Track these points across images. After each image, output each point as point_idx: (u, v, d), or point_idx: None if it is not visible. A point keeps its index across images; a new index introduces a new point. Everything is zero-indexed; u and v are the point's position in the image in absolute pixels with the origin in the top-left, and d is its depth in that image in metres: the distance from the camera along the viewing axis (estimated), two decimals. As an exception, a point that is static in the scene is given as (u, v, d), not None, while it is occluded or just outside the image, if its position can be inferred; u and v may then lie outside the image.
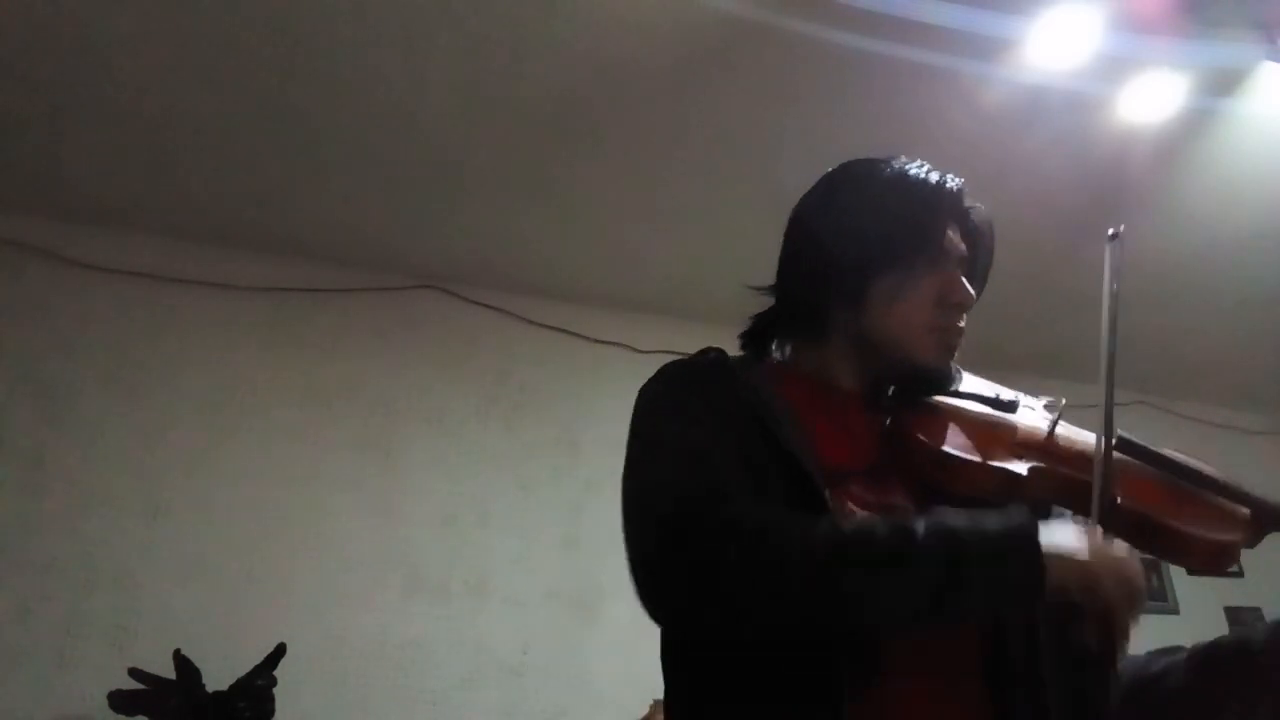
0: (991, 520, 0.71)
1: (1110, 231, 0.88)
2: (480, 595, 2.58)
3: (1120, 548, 0.75)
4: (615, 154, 2.40)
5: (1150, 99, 2.21)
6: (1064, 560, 0.70)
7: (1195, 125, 2.32)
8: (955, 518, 0.71)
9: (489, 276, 2.94)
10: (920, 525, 0.70)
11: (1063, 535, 0.72)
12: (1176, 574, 3.48)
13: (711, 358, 0.91)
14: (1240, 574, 3.45)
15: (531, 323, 3.01)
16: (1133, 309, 3.64)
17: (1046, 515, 0.87)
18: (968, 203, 0.95)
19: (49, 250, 2.52)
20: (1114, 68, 2.12)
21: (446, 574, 2.59)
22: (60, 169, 2.37)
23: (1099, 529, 0.75)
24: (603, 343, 3.03)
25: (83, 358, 2.47)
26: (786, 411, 0.84)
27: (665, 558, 0.72)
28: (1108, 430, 0.82)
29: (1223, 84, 2.20)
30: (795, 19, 1.96)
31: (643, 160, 2.42)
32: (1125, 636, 0.71)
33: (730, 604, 0.71)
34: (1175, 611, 3.39)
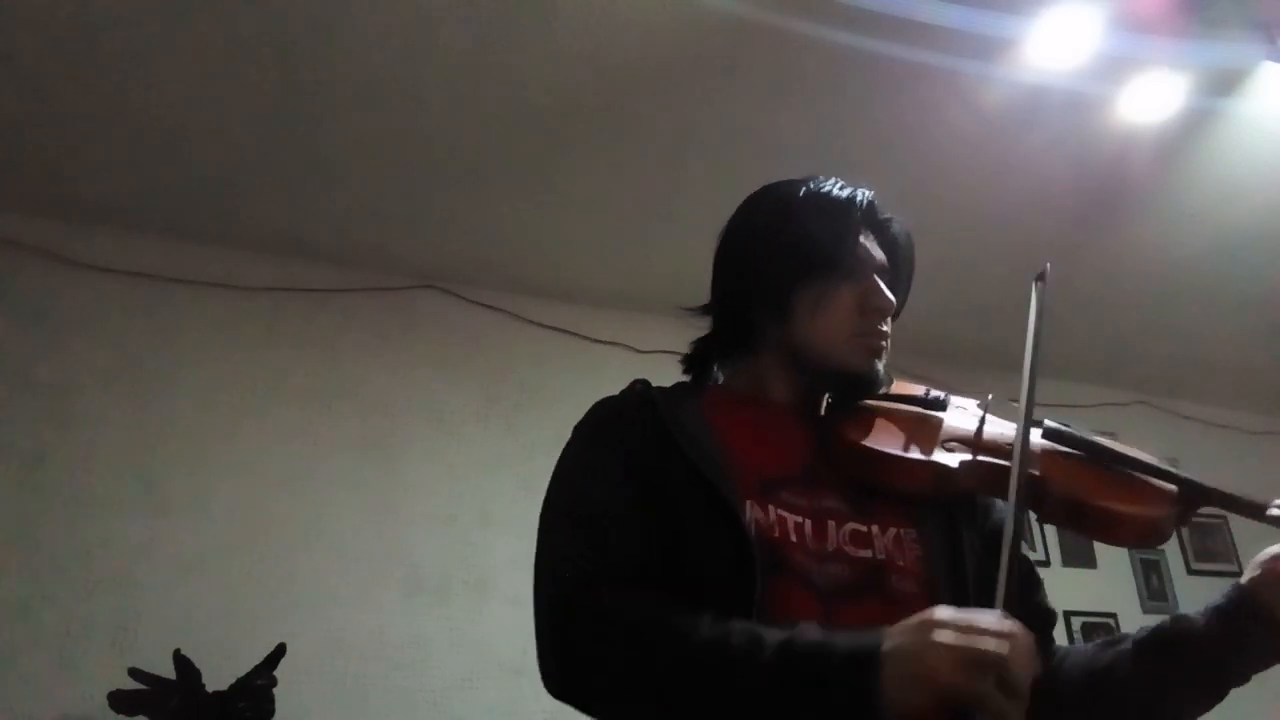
0: (843, 640, 0.68)
1: (1039, 272, 0.93)
2: (480, 595, 2.58)
3: (993, 621, 0.64)
4: (615, 154, 2.40)
5: (1150, 99, 2.21)
6: (902, 669, 0.63)
7: (1195, 125, 2.32)
8: (810, 634, 0.69)
9: (489, 276, 2.95)
10: (773, 639, 0.69)
11: (907, 637, 0.64)
12: (1176, 575, 3.48)
13: (637, 391, 0.96)
14: (1240, 573, 3.45)
15: (531, 323, 3.01)
16: (1133, 309, 3.64)
17: (986, 510, 0.92)
18: (884, 214, 1.00)
19: (49, 250, 2.52)
20: (1114, 68, 2.12)
21: (446, 574, 2.58)
22: (60, 169, 2.37)
23: (979, 611, 0.66)
24: (603, 343, 3.03)
25: (83, 358, 2.46)
26: (704, 431, 0.88)
27: (548, 641, 0.79)
28: (1025, 429, 0.83)
29: (1223, 84, 2.20)
30: (795, 19, 1.96)
31: (643, 160, 2.42)
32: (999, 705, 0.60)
33: (595, 693, 0.77)
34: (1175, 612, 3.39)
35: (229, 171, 2.40)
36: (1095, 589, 3.31)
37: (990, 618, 0.64)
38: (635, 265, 2.92)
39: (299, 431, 2.61)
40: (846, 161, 2.35)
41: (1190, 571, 3.50)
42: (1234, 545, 3.53)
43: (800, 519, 0.83)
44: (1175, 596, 3.42)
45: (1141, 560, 3.46)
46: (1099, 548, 3.38)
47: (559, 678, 0.78)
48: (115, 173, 2.39)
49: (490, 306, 2.97)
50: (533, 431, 2.83)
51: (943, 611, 0.64)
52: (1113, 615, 3.24)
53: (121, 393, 2.47)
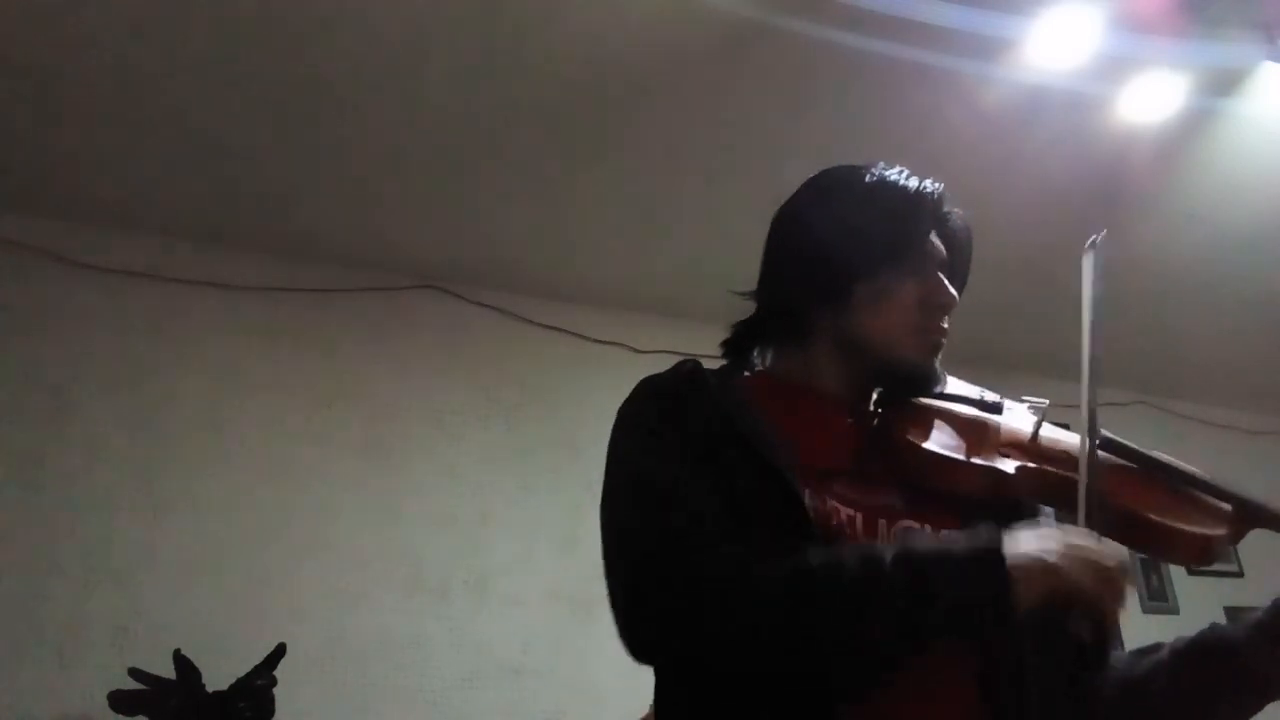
0: (959, 543, 0.74)
1: (1090, 239, 0.90)
2: (480, 595, 2.58)
3: (1093, 539, 0.75)
4: (616, 154, 2.40)
5: (1150, 99, 2.21)
6: (1032, 569, 0.71)
7: (1195, 125, 2.33)
8: (923, 543, 0.75)
9: (489, 276, 2.94)
10: (888, 554, 0.72)
11: (1030, 542, 0.73)
12: (1177, 575, 3.48)
13: (687, 369, 0.92)
14: (1240, 574, 3.46)
15: (531, 323, 3.00)
16: (1133, 309, 3.64)
17: (1034, 515, 0.90)
18: (947, 207, 0.97)
19: (49, 250, 2.51)
20: (1114, 68, 2.12)
21: (446, 574, 2.58)
22: (60, 169, 2.37)
23: (1072, 527, 0.76)
24: (603, 343, 3.03)
25: (83, 358, 2.46)
26: (759, 417, 0.85)
27: (641, 604, 0.77)
28: (1091, 429, 0.84)
29: (1223, 84, 2.20)
30: (796, 19, 1.96)
31: (643, 160, 2.42)
32: (1114, 624, 0.73)
33: (706, 647, 0.74)
34: (1175, 612, 3.39)
35: (228, 171, 2.40)
36: (1095, 589, 3.30)
37: (1109, 543, 0.74)
38: (635, 265, 2.91)
39: (299, 431, 2.60)
40: (846, 161, 2.35)
41: (1190, 572, 3.50)
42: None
43: (852, 513, 0.82)
44: (1175, 596, 3.42)
45: (1141, 560, 3.45)
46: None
47: (657, 636, 0.77)
48: (115, 173, 2.39)
49: (490, 306, 2.97)
50: (533, 431, 2.82)
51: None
52: (1113, 615, 3.23)
53: (121, 393, 2.47)
